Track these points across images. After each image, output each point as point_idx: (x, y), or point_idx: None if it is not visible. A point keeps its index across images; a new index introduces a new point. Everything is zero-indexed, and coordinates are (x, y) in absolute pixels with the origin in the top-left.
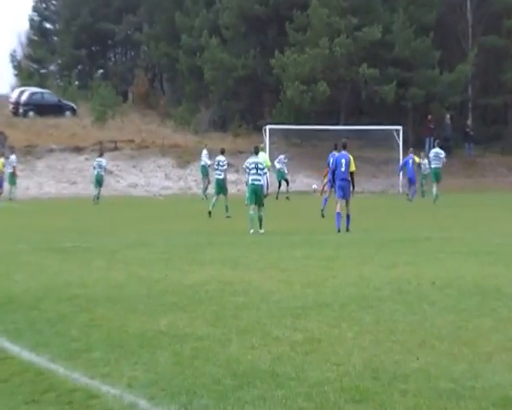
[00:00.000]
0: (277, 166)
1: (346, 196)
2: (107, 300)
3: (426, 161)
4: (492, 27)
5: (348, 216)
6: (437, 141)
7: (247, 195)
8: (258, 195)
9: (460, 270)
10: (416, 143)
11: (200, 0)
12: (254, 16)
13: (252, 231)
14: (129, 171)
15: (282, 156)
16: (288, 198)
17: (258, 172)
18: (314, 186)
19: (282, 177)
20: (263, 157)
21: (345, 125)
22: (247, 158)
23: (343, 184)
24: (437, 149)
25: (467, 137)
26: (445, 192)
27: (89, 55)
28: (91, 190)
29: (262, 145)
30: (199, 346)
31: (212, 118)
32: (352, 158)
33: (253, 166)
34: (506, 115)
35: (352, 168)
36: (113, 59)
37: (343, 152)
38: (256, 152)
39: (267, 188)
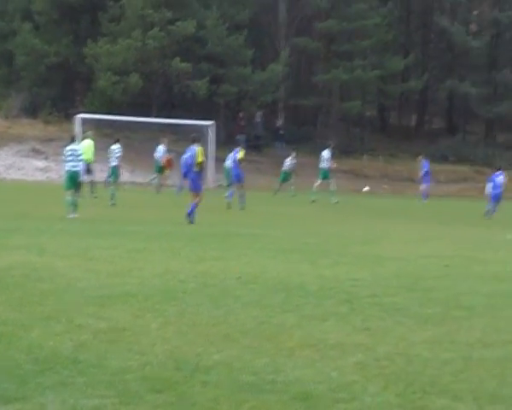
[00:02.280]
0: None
1: (195, 188)
2: None
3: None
4: (305, 29)
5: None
6: (329, 142)
7: (65, 181)
8: (74, 180)
9: (266, 266)
10: (228, 140)
11: None
12: (67, 4)
13: (71, 215)
14: None
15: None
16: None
17: (75, 158)
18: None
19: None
20: (88, 145)
21: (157, 117)
22: (61, 145)
23: (192, 177)
24: (326, 151)
25: (277, 137)
26: (255, 190)
27: None
28: None
29: (89, 132)
30: (1, 330)
31: (23, 104)
32: (199, 150)
33: (70, 153)
34: (316, 117)
35: (199, 159)
36: None
37: (192, 146)
38: (73, 140)
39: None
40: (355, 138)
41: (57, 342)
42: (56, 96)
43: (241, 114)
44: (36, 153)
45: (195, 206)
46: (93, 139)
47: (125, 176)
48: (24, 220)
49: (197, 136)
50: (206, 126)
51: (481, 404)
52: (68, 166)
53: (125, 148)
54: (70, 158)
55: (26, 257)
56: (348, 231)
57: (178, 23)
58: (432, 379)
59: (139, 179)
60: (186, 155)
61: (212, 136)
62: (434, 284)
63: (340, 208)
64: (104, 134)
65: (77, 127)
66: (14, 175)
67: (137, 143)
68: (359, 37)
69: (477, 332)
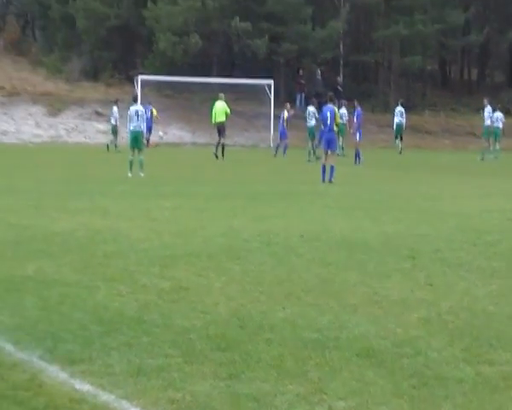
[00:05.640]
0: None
1: (332, 147)
2: None
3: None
4: None
5: (332, 167)
6: (400, 100)
7: (129, 141)
8: (138, 140)
9: (328, 224)
10: (287, 98)
11: None
12: None
13: (130, 174)
14: None
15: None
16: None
17: (139, 119)
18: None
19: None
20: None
21: (217, 77)
22: (123, 108)
23: (329, 137)
24: (400, 108)
25: (337, 94)
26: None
27: None
28: None
29: (221, 94)
30: (66, 292)
31: (84, 67)
32: (336, 110)
33: (134, 113)
34: (376, 73)
35: (338, 120)
36: None
37: (328, 105)
38: (135, 100)
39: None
40: (416, 94)
41: (122, 303)
42: (117, 58)
43: (300, 72)
44: (98, 116)
45: (334, 167)
46: (225, 101)
47: (186, 137)
48: (87, 183)
49: (333, 95)
50: (266, 85)
51: None
52: (132, 127)
53: (185, 109)
54: (134, 118)
55: (89, 219)
56: (410, 188)
57: None
58: (497, 333)
59: (200, 140)
60: (324, 115)
61: (271, 95)
62: (498, 238)
63: (400, 165)
64: (164, 95)
65: (137, 89)
66: (76, 138)
67: (198, 103)
68: None
69: None
